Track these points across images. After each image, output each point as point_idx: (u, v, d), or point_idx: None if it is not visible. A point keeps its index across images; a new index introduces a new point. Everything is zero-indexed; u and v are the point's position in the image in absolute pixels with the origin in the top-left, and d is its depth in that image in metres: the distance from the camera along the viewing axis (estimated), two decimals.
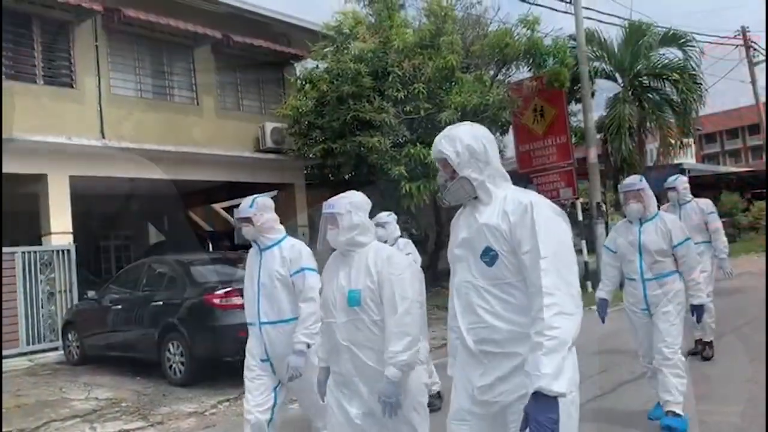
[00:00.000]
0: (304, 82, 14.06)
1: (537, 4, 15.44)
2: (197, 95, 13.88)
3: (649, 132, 16.55)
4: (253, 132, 14.49)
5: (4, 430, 6.34)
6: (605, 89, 16.33)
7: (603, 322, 5.04)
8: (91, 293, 9.09)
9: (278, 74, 15.65)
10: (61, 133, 11.03)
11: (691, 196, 6.91)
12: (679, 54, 15.96)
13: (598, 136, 15.41)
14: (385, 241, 5.36)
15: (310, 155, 13.95)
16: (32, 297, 10.41)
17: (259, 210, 3.97)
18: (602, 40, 15.86)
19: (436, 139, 2.44)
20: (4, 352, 9.95)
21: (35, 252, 10.63)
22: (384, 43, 12.79)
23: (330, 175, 15.17)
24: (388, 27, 12.91)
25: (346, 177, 14.18)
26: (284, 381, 3.88)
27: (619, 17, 16.10)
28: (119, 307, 8.55)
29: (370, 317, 2.94)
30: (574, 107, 15.56)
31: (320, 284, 3.47)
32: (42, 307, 10.52)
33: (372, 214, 3.30)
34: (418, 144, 12.36)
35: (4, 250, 10.18)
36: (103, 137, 11.86)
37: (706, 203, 7.04)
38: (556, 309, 2.11)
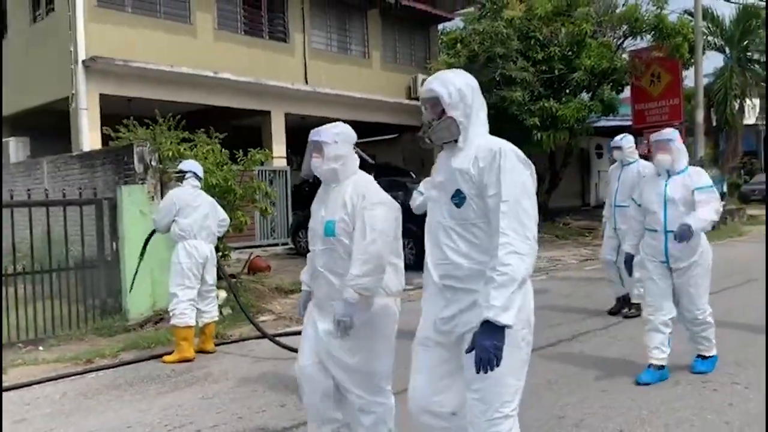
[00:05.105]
0: (455, 42, 16.64)
1: None
2: (368, 50, 16.75)
3: (749, 98, 18.68)
4: (405, 82, 17.35)
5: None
6: (712, 60, 18.42)
7: (630, 275, 5.20)
8: None
9: (425, 33, 18.39)
10: (279, 79, 14.11)
11: (636, 156, 6.74)
12: None
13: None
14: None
15: None
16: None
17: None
18: (716, 16, 17.95)
19: (428, 80, 2.52)
20: (245, 243, 13.33)
21: (264, 170, 13.87)
22: (529, 10, 15.24)
23: None
24: None
25: None
26: None
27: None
28: None
29: (344, 248, 3.02)
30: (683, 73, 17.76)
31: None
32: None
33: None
34: (551, 98, 14.95)
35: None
36: (306, 83, 14.90)
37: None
38: (510, 248, 2.25)
